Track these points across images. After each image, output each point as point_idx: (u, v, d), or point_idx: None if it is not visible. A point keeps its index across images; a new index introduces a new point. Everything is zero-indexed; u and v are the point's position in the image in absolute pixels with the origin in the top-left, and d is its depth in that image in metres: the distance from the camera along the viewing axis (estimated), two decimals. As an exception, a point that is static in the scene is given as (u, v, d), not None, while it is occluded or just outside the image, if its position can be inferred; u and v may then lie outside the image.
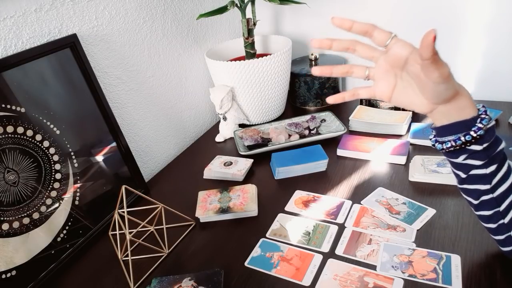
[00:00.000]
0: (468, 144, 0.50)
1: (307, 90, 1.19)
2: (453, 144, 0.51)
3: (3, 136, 0.67)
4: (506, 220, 0.54)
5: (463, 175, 0.54)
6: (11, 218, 0.68)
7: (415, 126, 0.99)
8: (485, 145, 0.50)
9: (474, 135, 0.49)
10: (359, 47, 0.53)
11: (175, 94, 1.13)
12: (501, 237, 0.56)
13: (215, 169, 0.96)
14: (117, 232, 0.74)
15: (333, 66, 0.56)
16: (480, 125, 0.49)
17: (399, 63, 0.51)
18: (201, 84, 1.23)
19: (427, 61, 0.44)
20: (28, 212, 0.70)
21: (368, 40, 0.51)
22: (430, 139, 0.56)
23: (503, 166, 0.52)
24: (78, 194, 0.79)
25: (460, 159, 0.53)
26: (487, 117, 0.50)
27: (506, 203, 0.53)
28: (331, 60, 1.24)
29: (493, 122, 0.51)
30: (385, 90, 0.54)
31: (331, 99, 0.57)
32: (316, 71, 0.56)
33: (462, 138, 0.50)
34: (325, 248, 0.70)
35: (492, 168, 0.52)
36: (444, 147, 0.53)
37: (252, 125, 1.14)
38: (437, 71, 0.45)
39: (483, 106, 0.51)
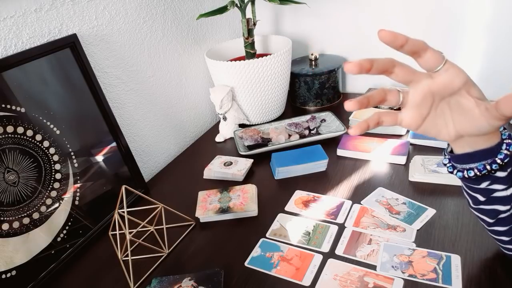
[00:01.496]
0: (492, 172, 0.47)
1: (307, 90, 1.19)
2: (477, 173, 0.48)
3: (3, 136, 0.67)
4: None
5: (481, 198, 0.51)
6: (11, 218, 0.68)
7: (415, 126, 0.99)
8: (509, 169, 0.48)
9: (501, 163, 0.46)
10: (398, 69, 0.43)
11: (175, 94, 1.13)
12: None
13: (215, 169, 0.96)
14: (117, 232, 0.74)
15: (368, 98, 0.45)
16: (506, 152, 0.46)
17: (446, 92, 0.43)
18: (201, 84, 1.23)
19: (503, 116, 0.41)
20: (28, 212, 0.70)
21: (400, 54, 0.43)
22: (445, 165, 0.52)
23: None
24: (78, 194, 0.79)
25: (482, 186, 0.50)
26: (511, 141, 0.47)
27: None
28: (331, 60, 1.24)
29: None
30: (415, 120, 0.46)
31: (356, 131, 0.46)
32: (350, 106, 0.44)
33: (488, 167, 0.47)
34: (325, 248, 0.70)
35: None
36: (466, 175, 0.49)
37: (252, 125, 1.14)
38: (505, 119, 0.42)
39: (505, 129, 0.48)
